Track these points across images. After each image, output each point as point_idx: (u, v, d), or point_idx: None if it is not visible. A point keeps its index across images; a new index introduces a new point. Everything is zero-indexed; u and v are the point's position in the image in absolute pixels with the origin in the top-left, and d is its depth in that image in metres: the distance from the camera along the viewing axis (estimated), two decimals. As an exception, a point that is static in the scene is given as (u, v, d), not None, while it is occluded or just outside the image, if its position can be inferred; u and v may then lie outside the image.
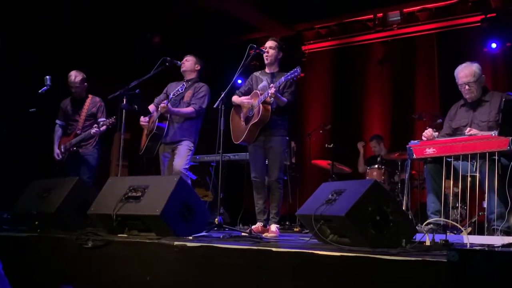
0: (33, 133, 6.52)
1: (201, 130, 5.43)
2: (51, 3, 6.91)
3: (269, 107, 4.76)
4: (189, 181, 5.32)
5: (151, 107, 5.53)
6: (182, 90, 5.24)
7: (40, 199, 4.36)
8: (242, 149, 6.81)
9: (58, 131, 6.01)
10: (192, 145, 5.30)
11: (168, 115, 5.25)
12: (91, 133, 5.72)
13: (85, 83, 5.98)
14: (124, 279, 3.31)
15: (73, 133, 5.90)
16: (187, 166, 5.28)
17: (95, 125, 5.76)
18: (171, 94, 5.24)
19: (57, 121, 6.03)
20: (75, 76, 5.91)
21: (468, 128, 4.24)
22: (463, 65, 4.49)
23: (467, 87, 4.41)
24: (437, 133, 4.46)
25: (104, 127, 5.71)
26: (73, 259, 3.59)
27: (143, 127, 5.46)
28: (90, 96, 6.03)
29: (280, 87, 4.72)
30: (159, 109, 5.15)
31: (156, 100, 5.57)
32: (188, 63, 5.42)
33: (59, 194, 4.27)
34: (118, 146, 5.45)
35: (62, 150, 5.87)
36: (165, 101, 5.13)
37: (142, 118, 5.42)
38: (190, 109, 5.25)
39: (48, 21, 7.12)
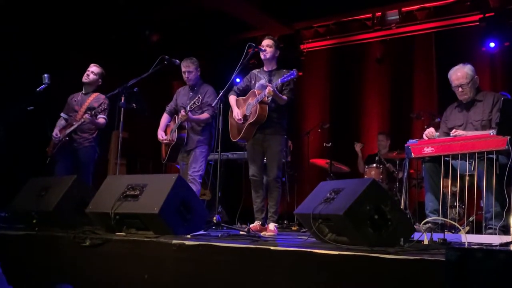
0: (32, 131, 6.49)
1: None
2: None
3: (266, 107, 4.75)
4: (199, 188, 5.36)
5: (165, 117, 5.62)
6: (198, 103, 5.20)
7: (38, 197, 4.35)
8: (241, 148, 6.81)
9: (62, 121, 5.71)
10: (207, 148, 5.41)
11: (186, 124, 5.39)
12: (83, 117, 5.37)
13: (100, 80, 5.73)
14: (122, 277, 3.32)
15: (70, 124, 5.58)
16: (201, 173, 5.37)
17: (88, 112, 5.40)
18: (188, 106, 5.23)
19: (62, 114, 5.77)
20: (95, 67, 5.72)
21: (454, 130, 4.28)
22: (456, 67, 4.53)
23: (460, 89, 4.46)
24: (437, 133, 4.48)
25: (102, 120, 5.47)
26: (71, 257, 3.59)
27: (162, 142, 5.54)
28: (97, 93, 5.73)
29: (278, 87, 4.72)
30: (180, 117, 5.27)
31: (168, 108, 5.67)
32: (192, 75, 5.47)
33: (57, 192, 4.27)
34: (116, 144, 5.43)
35: (57, 141, 5.55)
36: (184, 111, 5.20)
37: (160, 136, 5.50)
38: (206, 115, 5.35)
39: (46, 18, 7.10)
